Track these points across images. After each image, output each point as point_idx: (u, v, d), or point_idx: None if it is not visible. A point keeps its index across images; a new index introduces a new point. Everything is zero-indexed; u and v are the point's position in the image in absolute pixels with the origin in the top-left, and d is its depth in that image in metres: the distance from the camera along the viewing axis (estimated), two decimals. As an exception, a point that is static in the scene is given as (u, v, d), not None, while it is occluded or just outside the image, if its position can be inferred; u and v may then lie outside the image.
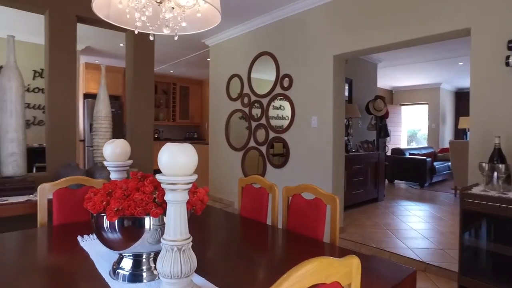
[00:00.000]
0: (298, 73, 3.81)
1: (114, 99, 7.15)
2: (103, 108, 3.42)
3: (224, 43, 4.95)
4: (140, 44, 3.66)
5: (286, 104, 3.92)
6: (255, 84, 4.38)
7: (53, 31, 3.11)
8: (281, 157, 4.02)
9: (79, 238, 1.60)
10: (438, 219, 4.21)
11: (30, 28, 4.71)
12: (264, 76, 4.24)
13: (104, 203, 1.16)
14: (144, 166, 3.64)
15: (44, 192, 2.00)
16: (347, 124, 4.95)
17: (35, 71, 5.06)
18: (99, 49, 5.76)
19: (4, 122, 2.92)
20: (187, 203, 1.22)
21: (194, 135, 8.98)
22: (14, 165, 2.95)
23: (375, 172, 5.00)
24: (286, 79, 3.91)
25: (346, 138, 4.93)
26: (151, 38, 1.80)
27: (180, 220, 1.08)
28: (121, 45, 5.41)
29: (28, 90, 4.94)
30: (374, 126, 5.51)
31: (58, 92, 3.17)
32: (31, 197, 2.67)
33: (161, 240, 1.06)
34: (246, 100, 4.48)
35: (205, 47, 5.39)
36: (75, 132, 3.27)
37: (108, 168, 1.60)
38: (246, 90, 4.49)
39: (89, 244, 1.50)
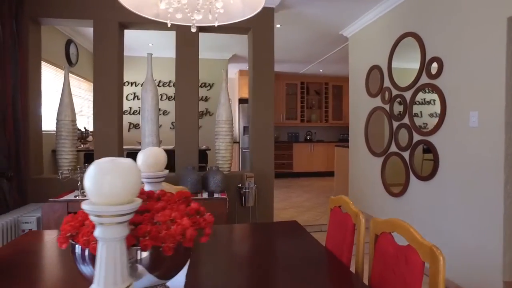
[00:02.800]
0: (450, 54, 2.79)
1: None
2: (223, 111, 3.49)
3: (361, 32, 4.26)
4: (259, 43, 3.54)
5: (435, 97, 2.95)
6: (397, 75, 3.53)
7: (179, 44, 3.39)
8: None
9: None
10: None
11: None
12: (408, 65, 3.35)
13: (66, 224, 1.00)
14: (262, 171, 3.51)
15: (131, 195, 2.10)
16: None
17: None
18: (244, 55, 6.09)
19: (143, 128, 3.38)
20: (152, 238, 0.92)
21: (348, 136, 8.34)
22: (150, 165, 3.37)
23: None
24: (434, 64, 2.93)
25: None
26: (192, 30, 1.59)
27: (108, 264, 0.79)
28: (262, 49, 5.52)
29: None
30: None
31: (184, 100, 3.42)
32: (152, 195, 2.97)
33: (90, 288, 0.81)
34: (386, 95, 3.68)
35: (345, 40, 4.81)
36: (196, 137, 3.44)
37: (142, 179, 1.48)
38: (386, 83, 3.68)
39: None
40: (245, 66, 7.09)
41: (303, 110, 8.04)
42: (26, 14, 3.15)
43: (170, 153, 4.56)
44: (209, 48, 5.62)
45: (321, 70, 7.30)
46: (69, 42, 4.49)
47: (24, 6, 3.14)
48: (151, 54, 3.42)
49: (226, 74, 3.61)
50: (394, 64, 3.56)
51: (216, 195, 3.02)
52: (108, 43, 3.28)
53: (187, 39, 3.41)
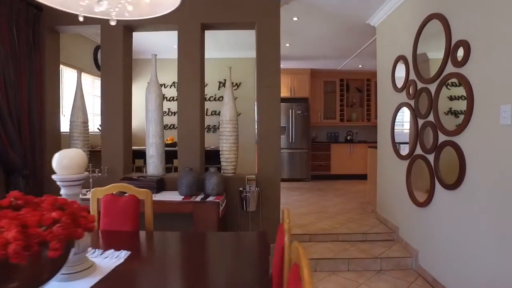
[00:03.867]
0: (478, 36, 2.28)
1: (301, 101, 7.15)
2: (226, 111, 3.34)
3: (387, 19, 3.79)
4: (264, 39, 3.32)
5: (461, 90, 2.45)
6: (424, 65, 3.04)
7: (182, 42, 3.32)
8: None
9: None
10: None
11: (219, 46, 5.38)
12: (435, 54, 2.86)
13: None
14: (267, 174, 3.28)
15: (95, 196, 2.06)
16: None
17: (220, 82, 5.77)
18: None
19: (147, 128, 3.38)
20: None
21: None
22: (153, 166, 3.36)
23: None
24: (461, 49, 2.44)
25: None
26: (112, 23, 1.46)
27: None
28: (287, 45, 5.26)
29: (215, 99, 5.70)
30: None
31: (186, 100, 3.34)
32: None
33: None
34: (411, 89, 3.20)
35: (375, 30, 4.34)
36: (198, 138, 3.34)
37: (57, 183, 1.39)
38: (412, 75, 3.20)
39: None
40: (278, 64, 6.85)
41: (343, 108, 7.53)
42: (44, 23, 3.34)
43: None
44: (234, 47, 5.52)
45: (360, 66, 6.76)
46: (97, 48, 4.73)
47: (41, 16, 3.33)
48: (156, 55, 3.41)
49: (230, 72, 3.44)
50: (421, 53, 3.07)
51: (210, 199, 2.88)
52: (114, 46, 3.34)
53: (189, 38, 3.32)
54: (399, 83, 3.48)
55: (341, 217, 4.25)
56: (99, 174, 3.10)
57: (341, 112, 7.53)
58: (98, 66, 4.74)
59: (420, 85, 3.04)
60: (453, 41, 2.53)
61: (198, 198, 2.87)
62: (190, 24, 3.29)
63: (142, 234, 1.95)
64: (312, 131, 7.59)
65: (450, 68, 2.57)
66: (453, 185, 2.53)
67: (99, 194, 2.05)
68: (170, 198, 2.86)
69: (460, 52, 2.44)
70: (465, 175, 2.42)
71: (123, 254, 1.56)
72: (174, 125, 6.13)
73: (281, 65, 6.68)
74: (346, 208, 4.72)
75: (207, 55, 5.81)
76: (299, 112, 7.06)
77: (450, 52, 2.56)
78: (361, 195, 5.53)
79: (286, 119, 7.04)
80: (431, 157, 2.85)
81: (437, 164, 2.75)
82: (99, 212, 2.05)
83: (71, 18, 3.31)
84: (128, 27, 3.40)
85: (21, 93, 3.13)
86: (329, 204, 5.00)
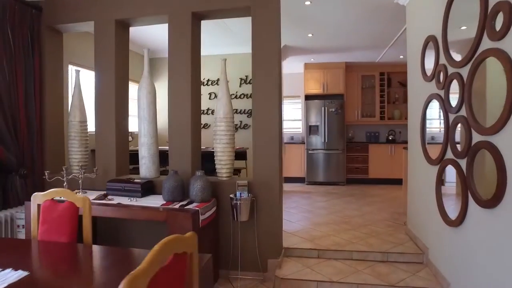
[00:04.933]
0: (522, -5, 1.65)
1: (335, 98, 6.53)
2: (220, 108, 2.99)
3: (418, -8, 3.14)
4: (259, 25, 2.91)
5: (500, 72, 1.81)
6: (455, 47, 2.39)
7: (172, 34, 3.04)
8: None
9: None
10: None
11: (238, 40, 5.07)
12: (470, 32, 2.21)
13: None
14: (264, 179, 2.87)
15: (35, 202, 1.85)
16: None
17: (241, 79, 5.43)
18: (299, 46, 5.36)
19: (139, 127, 3.16)
20: None
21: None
22: (145, 167, 3.13)
23: None
24: (500, 15, 1.80)
25: None
26: None
27: None
28: (310, 35, 4.74)
29: (236, 97, 5.38)
30: None
31: (176, 97, 3.06)
32: (126, 200, 2.67)
33: None
34: (441, 76, 2.56)
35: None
36: (189, 138, 3.02)
37: None
38: (442, 59, 2.56)
39: None
40: (308, 59, 6.34)
41: (383, 105, 6.73)
42: (43, 23, 3.30)
43: (207, 155, 4.11)
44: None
45: (401, 56, 5.94)
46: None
47: (41, 16, 3.29)
48: (148, 49, 3.18)
49: (225, 64, 3.07)
50: (452, 32, 2.42)
51: (193, 205, 2.55)
52: (108, 42, 3.18)
53: (180, 29, 3.03)
54: (429, 71, 2.83)
55: (363, 229, 3.65)
56: (85, 175, 2.94)
57: (381, 110, 6.75)
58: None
59: (451, 70, 2.40)
60: (490, 6, 1.89)
61: (178, 205, 2.56)
62: (180, 14, 3.00)
63: (72, 248, 1.68)
64: (349, 131, 6.93)
65: (486, 44, 1.93)
66: (490, 202, 1.89)
67: (39, 199, 1.83)
68: (149, 203, 2.59)
69: (499, 21, 1.80)
70: (506, 189, 1.78)
71: (15, 276, 1.29)
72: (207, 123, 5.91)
73: (311, 60, 6.18)
74: (373, 219, 4.08)
75: (226, 51, 5.55)
76: (333, 110, 6.46)
77: (485, 20, 1.92)
78: (397, 204, 4.82)
79: (319, 117, 6.50)
80: (463, 163, 2.20)
81: (470, 173, 2.11)
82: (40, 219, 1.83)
83: (69, 17, 3.27)
84: (121, 22, 3.22)
85: (17, 92, 3.10)
86: (354, 213, 4.39)
